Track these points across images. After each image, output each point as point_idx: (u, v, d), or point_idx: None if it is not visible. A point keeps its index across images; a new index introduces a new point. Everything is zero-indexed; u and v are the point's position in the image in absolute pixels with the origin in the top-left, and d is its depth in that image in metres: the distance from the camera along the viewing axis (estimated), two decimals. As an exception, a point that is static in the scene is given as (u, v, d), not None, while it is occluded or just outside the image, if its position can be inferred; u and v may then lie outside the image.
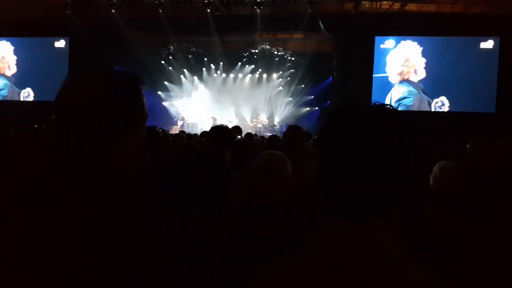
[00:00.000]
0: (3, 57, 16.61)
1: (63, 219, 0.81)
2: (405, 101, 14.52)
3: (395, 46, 14.60)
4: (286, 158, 1.74)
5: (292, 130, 3.10)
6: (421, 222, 1.87)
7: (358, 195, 0.80)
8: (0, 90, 16.73)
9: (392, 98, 14.53)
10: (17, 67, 16.58)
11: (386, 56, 14.66)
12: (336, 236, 0.81)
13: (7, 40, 16.52)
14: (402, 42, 14.48)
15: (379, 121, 0.81)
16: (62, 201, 0.83)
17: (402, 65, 14.48)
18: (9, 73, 16.65)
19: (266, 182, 1.61)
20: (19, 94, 16.60)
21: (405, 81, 14.55)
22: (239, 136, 5.01)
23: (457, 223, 1.91)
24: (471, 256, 1.76)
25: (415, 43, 14.43)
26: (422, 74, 14.44)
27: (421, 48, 14.41)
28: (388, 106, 0.85)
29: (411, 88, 14.53)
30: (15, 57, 16.60)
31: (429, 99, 14.43)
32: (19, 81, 16.60)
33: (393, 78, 14.63)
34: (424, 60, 14.38)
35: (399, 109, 0.88)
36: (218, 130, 3.13)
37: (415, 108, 14.38)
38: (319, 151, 0.87)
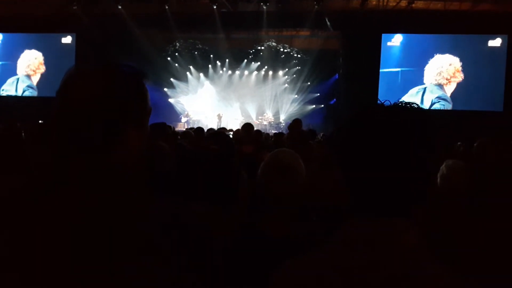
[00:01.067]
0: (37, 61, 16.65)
1: (64, 215, 0.81)
2: (445, 103, 14.43)
3: (403, 43, 14.52)
4: (299, 157, 1.73)
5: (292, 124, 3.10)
6: (430, 221, 1.86)
7: (382, 193, 0.80)
8: (30, 87, 16.76)
9: (427, 93, 14.42)
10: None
11: (393, 53, 14.59)
12: (360, 234, 0.80)
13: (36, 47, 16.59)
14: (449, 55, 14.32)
15: (406, 120, 0.80)
16: (64, 196, 0.82)
17: (447, 69, 14.36)
18: (34, 80, 16.73)
19: (278, 180, 1.60)
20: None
21: (440, 85, 14.45)
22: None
23: (464, 222, 1.89)
24: (478, 255, 1.75)
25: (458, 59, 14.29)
26: (451, 90, 14.37)
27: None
28: (414, 105, 0.84)
29: (448, 96, 14.46)
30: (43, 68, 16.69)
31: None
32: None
33: (430, 78, 14.48)
34: (460, 80, 14.28)
35: (438, 106, 0.88)
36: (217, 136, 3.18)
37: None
38: (342, 149, 0.86)
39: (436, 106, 14.22)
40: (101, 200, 0.82)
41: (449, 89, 14.36)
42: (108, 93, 0.85)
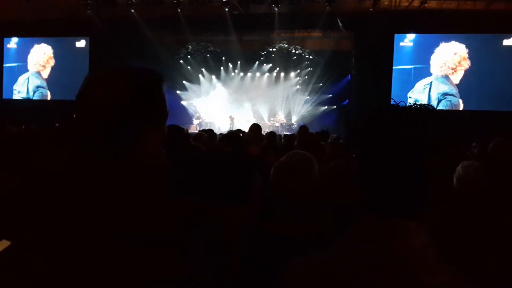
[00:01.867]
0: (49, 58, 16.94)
1: (83, 216, 0.82)
2: (452, 98, 14.24)
3: (416, 43, 14.38)
4: (313, 158, 1.73)
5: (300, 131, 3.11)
6: (446, 222, 1.85)
7: (395, 194, 0.80)
8: (40, 87, 17.07)
9: (433, 89, 14.27)
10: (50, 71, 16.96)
11: (405, 53, 14.46)
12: (371, 234, 0.81)
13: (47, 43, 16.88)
14: (455, 42, 14.15)
15: (420, 122, 0.81)
16: (83, 197, 0.83)
17: (452, 58, 14.14)
18: (44, 75, 17.00)
19: (290, 181, 1.61)
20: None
21: (446, 77, 14.27)
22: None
23: (481, 222, 1.87)
24: (496, 256, 1.73)
25: (464, 46, 14.11)
26: (458, 79, 14.17)
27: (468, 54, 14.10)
28: (429, 107, 0.84)
29: (453, 87, 14.26)
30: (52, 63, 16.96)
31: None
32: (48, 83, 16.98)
33: (436, 69, 14.29)
34: (466, 67, 14.08)
35: (444, 102, 0.89)
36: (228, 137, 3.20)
37: (458, 108, 14.11)
38: (358, 150, 0.87)
39: (443, 104, 14.02)
40: (119, 201, 0.83)
41: (456, 78, 14.16)
42: (127, 97, 0.87)
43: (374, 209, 0.83)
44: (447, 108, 13.99)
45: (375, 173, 0.82)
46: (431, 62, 14.27)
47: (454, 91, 14.19)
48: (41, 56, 16.90)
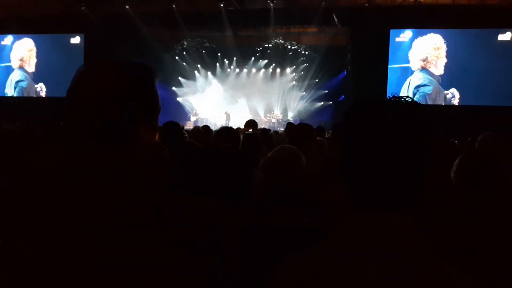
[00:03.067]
0: (30, 50, 16.81)
1: (77, 211, 0.81)
2: (424, 89, 14.25)
3: (412, 39, 14.40)
4: (299, 152, 1.74)
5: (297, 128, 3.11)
6: (442, 215, 1.86)
7: (381, 187, 0.80)
8: (20, 81, 16.95)
9: (411, 84, 14.29)
10: (36, 65, 16.84)
11: (402, 49, 14.48)
12: (360, 228, 0.81)
13: (29, 37, 16.75)
14: (432, 34, 14.19)
15: (400, 114, 0.81)
16: (77, 193, 0.83)
17: (428, 53, 14.17)
18: (29, 69, 16.89)
19: (277, 176, 1.62)
20: (35, 89, 16.86)
21: (425, 69, 14.29)
22: (250, 130, 5.03)
23: (477, 216, 1.88)
24: (492, 249, 1.73)
25: (440, 36, 14.16)
26: (441, 70, 14.20)
27: (446, 46, 14.14)
28: (409, 99, 0.85)
29: (431, 78, 14.27)
30: (34, 56, 16.86)
31: (445, 92, 14.25)
32: (36, 77, 16.86)
33: (415, 64, 14.34)
34: (445, 61, 14.15)
35: (417, 95, 0.90)
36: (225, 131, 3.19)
37: (433, 98, 14.12)
38: (340, 145, 0.88)
39: (417, 97, 14.01)
40: (113, 197, 0.82)
41: (438, 71, 14.27)
42: (119, 91, 0.86)
43: (361, 204, 0.83)
44: (421, 100, 14.00)
45: (357, 167, 0.83)
46: (410, 56, 14.35)
47: (433, 81, 14.21)
48: (24, 53, 16.80)
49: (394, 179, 0.79)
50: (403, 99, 0.84)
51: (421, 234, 0.79)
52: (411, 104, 0.84)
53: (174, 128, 3.51)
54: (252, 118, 5.05)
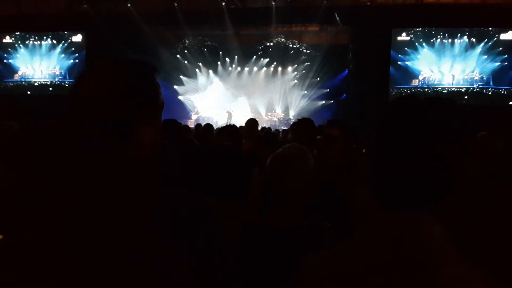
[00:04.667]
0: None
1: (75, 211, 0.81)
2: None
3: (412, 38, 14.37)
4: (308, 152, 1.74)
5: (302, 123, 3.08)
6: (471, 216, 1.85)
7: (410, 187, 0.79)
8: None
9: None
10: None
11: (403, 48, 14.47)
12: (385, 227, 0.80)
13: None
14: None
15: (436, 114, 0.80)
16: (79, 191, 0.83)
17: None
18: None
19: (285, 174, 1.61)
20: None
21: None
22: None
23: (480, 215, 1.88)
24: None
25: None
26: None
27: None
28: (446, 99, 0.84)
29: None
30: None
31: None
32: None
33: None
34: None
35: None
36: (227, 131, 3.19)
37: None
38: (374, 143, 0.87)
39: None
40: (115, 194, 0.83)
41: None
42: (120, 89, 0.86)
43: (387, 202, 0.82)
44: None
45: (392, 166, 0.81)
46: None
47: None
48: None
49: (425, 179, 0.78)
50: (440, 99, 0.83)
51: (449, 235, 0.78)
52: (450, 104, 0.83)
53: (172, 125, 3.51)
54: (252, 117, 5.02)
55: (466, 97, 14.19)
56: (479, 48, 14.12)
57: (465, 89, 14.28)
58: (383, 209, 0.82)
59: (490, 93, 14.11)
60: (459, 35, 14.25)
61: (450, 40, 14.38)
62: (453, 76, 14.42)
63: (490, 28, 13.86)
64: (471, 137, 0.81)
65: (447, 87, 14.44)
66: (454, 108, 0.82)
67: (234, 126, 3.62)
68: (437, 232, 0.78)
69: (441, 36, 14.39)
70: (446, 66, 14.46)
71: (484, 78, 14.13)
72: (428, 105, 0.83)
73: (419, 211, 0.79)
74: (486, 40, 14.01)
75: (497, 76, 13.97)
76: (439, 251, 0.76)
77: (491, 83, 14.04)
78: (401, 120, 0.82)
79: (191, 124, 14.88)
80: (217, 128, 5.24)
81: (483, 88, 14.14)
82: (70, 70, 16.43)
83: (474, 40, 14.17)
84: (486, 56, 14.09)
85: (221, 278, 0.90)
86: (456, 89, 14.33)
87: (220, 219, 0.93)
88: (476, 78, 14.21)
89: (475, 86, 14.23)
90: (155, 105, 0.92)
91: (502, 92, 13.93)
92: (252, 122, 4.66)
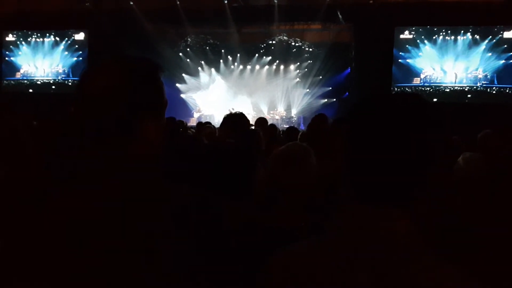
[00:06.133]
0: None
1: (78, 208, 0.82)
2: None
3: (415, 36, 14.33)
4: (311, 150, 1.74)
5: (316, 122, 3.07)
6: (446, 213, 1.85)
7: (381, 184, 0.79)
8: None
9: None
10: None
11: (406, 46, 14.43)
12: (355, 221, 0.81)
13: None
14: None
15: (404, 110, 0.80)
16: (83, 188, 0.83)
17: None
18: None
19: (288, 171, 1.61)
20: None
21: None
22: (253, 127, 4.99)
23: (481, 214, 1.88)
24: (496, 246, 1.73)
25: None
26: None
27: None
28: (415, 95, 0.83)
29: None
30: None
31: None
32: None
33: None
34: None
35: None
36: (232, 118, 3.07)
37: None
38: (344, 141, 0.87)
39: None
40: (118, 191, 0.83)
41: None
42: (124, 87, 0.86)
43: (359, 198, 0.82)
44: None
45: (363, 164, 0.82)
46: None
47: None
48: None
49: (394, 175, 0.78)
50: (408, 93, 0.83)
51: (420, 231, 0.78)
52: (417, 98, 0.82)
53: (172, 123, 3.49)
54: (258, 116, 4.99)
55: (469, 95, 14.08)
56: (483, 46, 13.91)
57: (468, 87, 14.13)
58: (356, 205, 0.82)
59: (494, 92, 13.93)
60: (462, 32, 14.07)
61: (453, 37, 14.18)
62: (456, 74, 14.26)
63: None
64: (440, 133, 0.80)
65: (450, 86, 14.29)
66: (423, 102, 0.82)
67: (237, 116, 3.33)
68: (407, 226, 0.78)
69: (444, 33, 14.22)
70: (448, 64, 14.28)
71: (488, 77, 13.92)
72: (395, 100, 0.84)
73: (391, 206, 0.79)
74: (490, 37, 13.82)
75: (502, 74, 13.77)
76: (408, 245, 0.76)
77: (496, 82, 13.86)
78: (368, 115, 0.83)
79: (193, 122, 14.89)
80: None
81: (487, 87, 13.96)
82: (74, 68, 16.40)
83: (478, 37, 13.97)
84: (490, 54, 13.87)
85: (223, 275, 0.90)
86: (459, 88, 14.20)
87: (225, 216, 0.93)
88: (480, 76, 14.01)
89: (478, 84, 14.03)
90: (159, 103, 0.93)
91: (507, 91, 13.78)
92: (262, 121, 4.65)
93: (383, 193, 0.80)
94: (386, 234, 0.77)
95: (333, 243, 0.81)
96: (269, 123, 11.65)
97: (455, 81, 14.31)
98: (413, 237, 0.77)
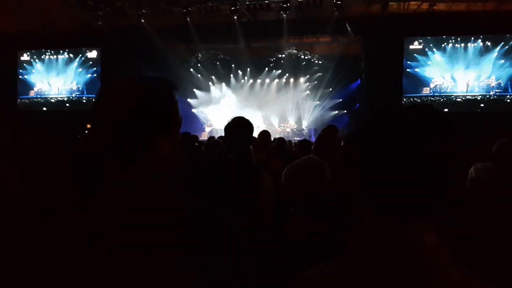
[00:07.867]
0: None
1: (91, 223, 0.84)
2: None
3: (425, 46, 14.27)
4: (326, 164, 1.75)
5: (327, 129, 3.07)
6: (459, 223, 1.84)
7: (401, 197, 0.78)
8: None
9: None
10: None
11: (415, 56, 14.36)
12: (379, 237, 0.79)
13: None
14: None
15: (420, 121, 0.79)
16: (95, 203, 0.86)
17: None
18: None
19: (303, 184, 1.62)
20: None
21: None
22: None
23: (492, 223, 1.86)
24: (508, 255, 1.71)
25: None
26: None
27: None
28: (431, 107, 0.82)
29: None
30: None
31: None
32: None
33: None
34: None
35: None
36: (236, 124, 2.97)
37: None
38: (360, 153, 0.86)
39: None
40: (134, 205, 0.85)
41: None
42: (140, 105, 0.89)
43: (380, 212, 0.81)
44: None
45: (379, 176, 0.81)
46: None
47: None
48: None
49: (414, 187, 0.77)
50: (422, 105, 0.82)
51: (442, 242, 0.78)
52: (432, 110, 0.81)
53: (185, 138, 3.52)
54: (265, 129, 5.01)
55: (482, 105, 13.86)
56: (495, 52, 13.70)
57: (481, 96, 13.90)
58: (376, 219, 0.81)
59: (508, 100, 13.68)
60: (472, 39, 13.91)
61: (463, 45, 14.02)
62: (467, 83, 14.06)
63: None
64: (455, 144, 0.79)
65: (461, 95, 14.09)
66: (438, 114, 0.81)
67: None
68: (432, 240, 0.77)
69: (453, 41, 14.06)
70: (459, 73, 14.10)
71: (502, 85, 13.68)
72: (407, 113, 0.82)
73: (412, 219, 0.78)
74: (502, 43, 13.61)
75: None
76: (434, 259, 0.75)
77: (510, 90, 13.62)
78: (384, 128, 0.82)
79: (205, 136, 14.95)
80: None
81: (500, 95, 13.71)
82: (88, 85, 16.66)
83: (489, 43, 13.78)
84: (503, 61, 13.63)
85: (237, 285, 0.91)
86: (471, 97, 13.99)
87: (236, 227, 0.94)
88: (493, 84, 13.77)
89: (492, 93, 13.79)
90: (173, 120, 0.95)
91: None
92: (264, 134, 4.70)
93: (403, 205, 0.79)
94: (413, 250, 0.76)
95: (359, 261, 0.79)
96: (280, 136, 11.68)
97: (467, 90, 14.09)
98: (441, 252, 0.77)
